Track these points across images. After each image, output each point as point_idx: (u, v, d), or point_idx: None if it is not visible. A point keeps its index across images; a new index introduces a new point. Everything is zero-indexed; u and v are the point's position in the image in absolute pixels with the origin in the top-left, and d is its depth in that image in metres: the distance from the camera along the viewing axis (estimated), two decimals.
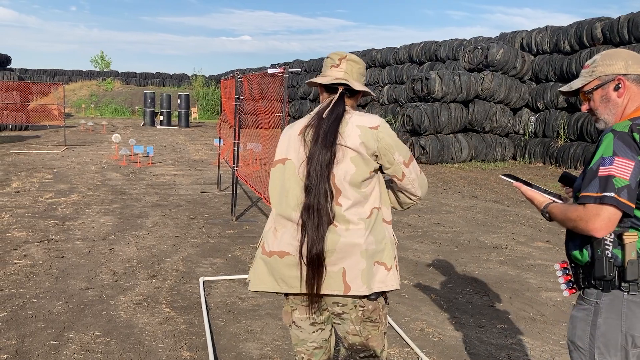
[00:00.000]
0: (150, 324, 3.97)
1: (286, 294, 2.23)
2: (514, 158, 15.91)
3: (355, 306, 2.15)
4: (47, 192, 8.97)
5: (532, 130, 15.90)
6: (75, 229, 6.63)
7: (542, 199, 2.00)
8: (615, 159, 1.75)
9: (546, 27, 16.61)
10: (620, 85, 1.91)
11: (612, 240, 1.82)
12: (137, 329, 3.88)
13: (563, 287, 1.98)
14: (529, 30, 17.30)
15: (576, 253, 1.92)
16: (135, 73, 48.25)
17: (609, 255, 1.81)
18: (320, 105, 2.23)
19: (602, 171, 1.75)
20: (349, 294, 2.08)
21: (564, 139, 14.53)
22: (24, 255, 5.51)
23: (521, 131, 16.29)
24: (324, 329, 2.26)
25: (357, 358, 2.27)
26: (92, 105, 37.35)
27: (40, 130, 22.13)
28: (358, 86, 2.22)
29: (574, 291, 1.97)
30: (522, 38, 17.15)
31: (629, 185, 1.72)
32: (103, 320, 4.00)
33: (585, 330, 1.90)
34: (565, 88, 2.07)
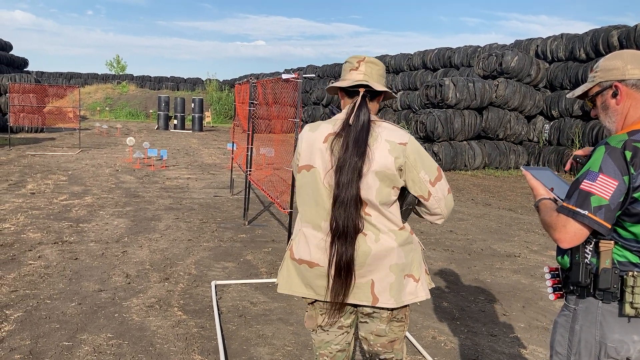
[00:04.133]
0: (162, 327, 3.99)
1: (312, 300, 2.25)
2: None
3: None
4: (62, 194, 9.06)
5: (547, 138, 15.80)
6: (89, 231, 6.69)
7: (541, 191, 1.95)
8: (600, 176, 1.71)
9: (562, 34, 16.53)
10: (617, 92, 1.83)
11: (592, 248, 1.80)
12: (149, 331, 3.90)
13: (549, 290, 1.96)
14: (544, 37, 17.22)
15: (559, 257, 1.92)
16: (150, 77, 48.57)
17: (587, 262, 1.80)
18: (343, 111, 2.20)
19: (585, 185, 1.73)
20: (377, 305, 2.12)
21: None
22: (39, 257, 5.56)
23: (535, 139, 16.19)
24: (348, 332, 2.29)
25: None
26: (107, 108, 37.71)
27: (56, 132, 22.38)
28: (379, 87, 2.18)
29: (560, 295, 1.95)
30: (537, 45, 17.07)
31: (608, 205, 1.69)
32: (115, 323, 4.03)
33: (564, 336, 1.88)
34: (569, 95, 2.05)
